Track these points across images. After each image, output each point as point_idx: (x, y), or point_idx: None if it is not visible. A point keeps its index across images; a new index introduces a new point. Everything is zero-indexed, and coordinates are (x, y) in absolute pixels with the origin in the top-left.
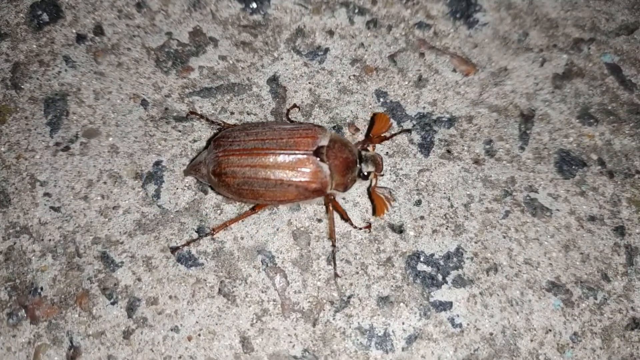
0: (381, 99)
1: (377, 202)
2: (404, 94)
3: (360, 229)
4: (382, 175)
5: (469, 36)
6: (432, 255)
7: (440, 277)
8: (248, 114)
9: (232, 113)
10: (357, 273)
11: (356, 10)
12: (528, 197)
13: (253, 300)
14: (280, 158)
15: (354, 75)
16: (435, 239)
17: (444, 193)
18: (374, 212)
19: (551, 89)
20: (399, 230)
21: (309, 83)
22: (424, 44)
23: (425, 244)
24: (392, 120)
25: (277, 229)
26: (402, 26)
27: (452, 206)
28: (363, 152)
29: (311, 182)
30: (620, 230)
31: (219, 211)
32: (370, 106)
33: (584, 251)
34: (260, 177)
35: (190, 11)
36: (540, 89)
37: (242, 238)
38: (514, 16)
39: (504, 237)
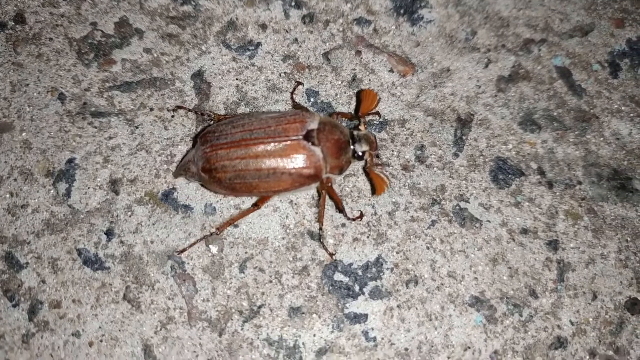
0: (312, 99)
1: (375, 181)
2: (336, 94)
3: (354, 219)
4: (378, 153)
5: (411, 34)
6: (351, 264)
7: (357, 287)
8: (168, 110)
9: (151, 109)
10: (271, 282)
11: (293, 3)
12: (457, 207)
13: (159, 307)
14: (271, 146)
15: (285, 73)
16: (355, 248)
17: (369, 200)
18: (373, 192)
19: (494, 92)
20: (319, 237)
21: (236, 79)
22: (362, 41)
23: (344, 252)
24: (379, 95)
25: (189, 234)
26: (341, 21)
27: (375, 214)
28: (355, 132)
29: (305, 168)
30: (553, 245)
31: (129, 213)
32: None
33: (512, 265)
34: (252, 168)
35: (117, 0)
36: (482, 92)
37: (152, 242)
38: (463, 13)
39: (428, 248)
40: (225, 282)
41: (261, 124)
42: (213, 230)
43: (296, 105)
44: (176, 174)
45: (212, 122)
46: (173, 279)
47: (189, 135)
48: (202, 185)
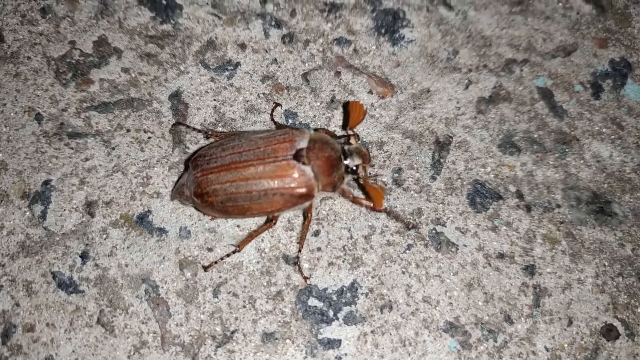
0: (290, 120)
1: (373, 194)
2: (315, 116)
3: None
4: (372, 165)
5: (392, 54)
6: (325, 289)
7: (331, 313)
8: (145, 131)
9: (128, 130)
10: (244, 307)
11: (273, 23)
12: (434, 231)
13: (132, 331)
14: (260, 168)
15: (263, 94)
16: (330, 272)
17: (345, 223)
18: (373, 206)
19: (474, 114)
20: (294, 261)
21: (214, 100)
22: (342, 61)
23: (319, 277)
24: (365, 106)
25: (164, 257)
26: (321, 41)
27: (351, 237)
28: (346, 147)
29: (296, 188)
30: (530, 269)
31: (104, 235)
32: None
33: (488, 290)
34: (243, 191)
35: (97, 18)
36: (461, 114)
37: (126, 265)
38: (445, 32)
39: (403, 273)
40: (199, 307)
41: (250, 145)
42: (234, 247)
43: (280, 126)
44: (172, 197)
45: (208, 138)
46: (147, 302)
47: (165, 157)
48: (196, 209)
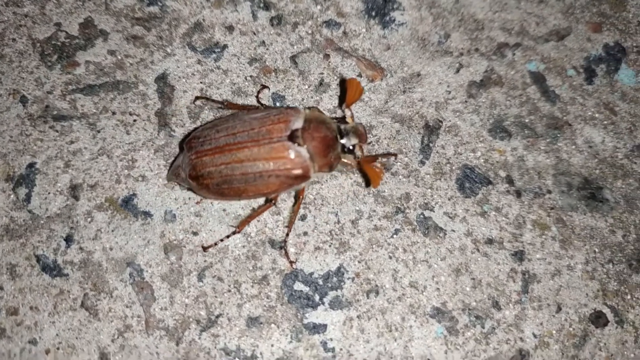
0: (277, 103)
1: (370, 174)
2: (303, 99)
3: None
4: (370, 143)
5: (382, 37)
6: (312, 274)
7: (317, 297)
8: (130, 114)
9: (113, 113)
10: (229, 291)
11: (261, 5)
12: (422, 216)
13: (116, 315)
14: (254, 150)
15: (250, 76)
16: (316, 257)
17: (332, 208)
18: (368, 184)
19: (464, 98)
20: (281, 245)
21: (201, 82)
22: (331, 44)
23: (306, 261)
24: (362, 84)
25: (149, 241)
26: (310, 24)
27: (338, 222)
28: (342, 126)
29: (291, 169)
30: (519, 255)
31: (89, 219)
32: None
33: (476, 276)
34: (238, 173)
35: (83, 0)
36: (452, 98)
37: (111, 249)
38: (437, 16)
39: (390, 258)
40: (184, 291)
41: (244, 126)
42: (234, 228)
43: (268, 107)
44: (168, 179)
45: (224, 109)
46: (131, 286)
47: (151, 140)
48: (192, 191)
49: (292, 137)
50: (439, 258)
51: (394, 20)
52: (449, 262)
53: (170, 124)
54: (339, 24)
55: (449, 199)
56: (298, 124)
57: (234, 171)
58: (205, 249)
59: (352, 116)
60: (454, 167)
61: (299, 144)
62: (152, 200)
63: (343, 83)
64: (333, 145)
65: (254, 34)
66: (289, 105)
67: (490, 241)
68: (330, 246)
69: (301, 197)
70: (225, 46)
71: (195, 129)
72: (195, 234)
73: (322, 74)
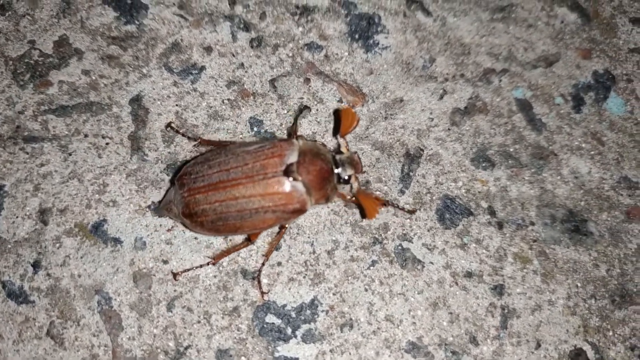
0: (255, 128)
1: (365, 204)
2: (281, 124)
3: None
4: (364, 172)
5: (365, 61)
6: (284, 306)
7: (289, 330)
8: (103, 137)
9: (85, 136)
10: (199, 322)
11: (241, 25)
12: (400, 247)
13: (83, 344)
14: (249, 186)
15: (228, 99)
16: (290, 288)
17: (308, 237)
18: (364, 216)
19: (447, 125)
20: (252, 277)
21: (176, 105)
22: (312, 68)
23: (279, 293)
24: (357, 114)
25: (118, 269)
26: (291, 46)
27: (314, 252)
28: (337, 156)
29: (288, 204)
30: (499, 289)
31: (58, 244)
32: (240, 135)
33: (453, 310)
34: (233, 210)
35: (58, 17)
36: (434, 126)
37: (79, 276)
38: (422, 39)
39: (366, 290)
40: (152, 321)
41: (238, 161)
42: (209, 260)
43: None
44: (159, 213)
45: (195, 145)
46: (99, 314)
47: (123, 164)
48: (185, 227)
49: (288, 172)
50: (416, 291)
51: (378, 43)
52: (426, 296)
53: (144, 147)
54: (320, 46)
55: (428, 230)
56: (293, 157)
57: (229, 208)
58: (175, 275)
59: (347, 146)
60: (434, 197)
61: (294, 179)
62: (122, 226)
63: (338, 112)
64: (329, 178)
65: (233, 55)
66: (265, 131)
67: (469, 274)
68: (304, 277)
69: (284, 228)
70: (203, 68)
71: (186, 162)
72: (165, 262)
73: (302, 98)
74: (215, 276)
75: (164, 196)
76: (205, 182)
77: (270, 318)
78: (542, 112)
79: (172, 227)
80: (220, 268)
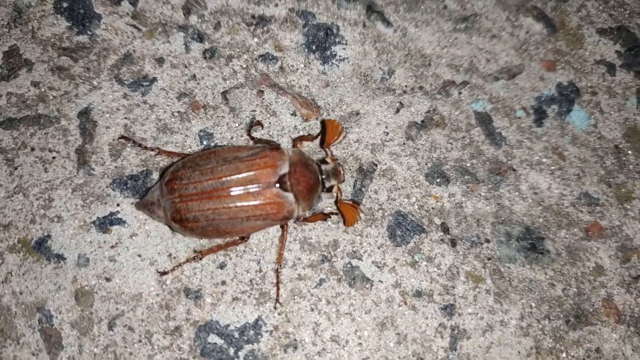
0: (204, 142)
1: (345, 212)
2: (232, 137)
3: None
4: (343, 181)
5: (322, 72)
6: (228, 326)
7: (232, 351)
8: (50, 151)
9: (32, 149)
10: (140, 341)
11: (195, 36)
12: (349, 265)
13: None
14: (243, 196)
15: (178, 112)
16: (234, 308)
17: (255, 255)
18: (345, 223)
19: (403, 140)
20: (195, 295)
21: (125, 118)
22: (267, 80)
23: (222, 313)
24: (342, 125)
25: (60, 286)
26: (245, 57)
27: (260, 270)
28: (323, 166)
29: (278, 213)
30: (449, 309)
31: (0, 261)
32: (189, 149)
33: (401, 331)
34: (225, 217)
35: (9, 27)
36: (389, 140)
37: (21, 293)
38: (382, 50)
39: (312, 310)
40: (93, 339)
41: (230, 169)
42: (196, 254)
43: (257, 140)
44: (138, 208)
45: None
46: (39, 333)
47: (70, 178)
48: (170, 228)
49: (280, 183)
50: (363, 311)
51: (335, 55)
52: (373, 316)
53: (90, 162)
54: (276, 58)
55: (378, 248)
56: (285, 168)
57: (221, 216)
58: (161, 274)
59: (332, 156)
60: (386, 214)
61: (285, 189)
62: (66, 242)
63: (323, 123)
64: (316, 188)
65: (185, 67)
66: (215, 145)
67: (419, 293)
68: (249, 296)
69: (286, 227)
70: (154, 79)
71: (172, 164)
72: (108, 279)
73: (255, 111)
74: (157, 294)
75: (144, 194)
76: (198, 189)
77: (213, 338)
78: (502, 126)
79: (117, 243)
80: (164, 286)
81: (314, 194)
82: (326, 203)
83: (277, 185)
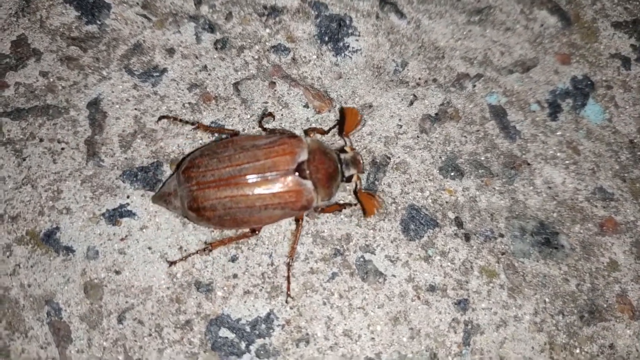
0: (215, 134)
1: (365, 202)
2: (244, 129)
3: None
4: (364, 172)
5: (334, 64)
6: (239, 320)
7: (243, 345)
8: (59, 142)
9: (41, 140)
10: (150, 335)
11: (206, 26)
12: (362, 259)
13: (30, 357)
14: (262, 183)
15: (189, 103)
16: (245, 302)
17: (267, 248)
18: (365, 214)
19: (416, 133)
20: (206, 289)
21: (135, 109)
22: (279, 71)
23: (233, 306)
24: (361, 113)
25: (69, 279)
26: (257, 48)
27: (272, 264)
28: (342, 155)
29: (297, 202)
30: (463, 304)
31: (8, 253)
32: (201, 141)
33: (414, 326)
34: (243, 206)
35: (17, 16)
36: (403, 133)
37: (29, 285)
38: (395, 42)
39: (325, 304)
40: (103, 333)
41: (248, 157)
42: (206, 246)
43: (271, 130)
44: (155, 201)
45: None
46: (48, 326)
47: (79, 170)
48: (186, 218)
49: (299, 171)
50: (376, 305)
51: (348, 46)
52: (386, 310)
53: (100, 153)
54: (288, 49)
55: (391, 242)
56: (303, 155)
57: (238, 204)
58: (170, 264)
59: (351, 145)
60: (399, 207)
61: (304, 177)
62: (75, 234)
63: (342, 111)
64: (335, 177)
65: (196, 57)
66: (226, 137)
67: (432, 288)
68: (261, 290)
69: (301, 220)
70: (164, 70)
71: (190, 154)
72: (117, 272)
73: (267, 102)
74: (168, 288)
75: (162, 186)
76: (216, 176)
77: (224, 332)
78: (516, 119)
79: (126, 236)
80: (174, 279)
81: (333, 182)
82: (339, 196)
83: (296, 172)
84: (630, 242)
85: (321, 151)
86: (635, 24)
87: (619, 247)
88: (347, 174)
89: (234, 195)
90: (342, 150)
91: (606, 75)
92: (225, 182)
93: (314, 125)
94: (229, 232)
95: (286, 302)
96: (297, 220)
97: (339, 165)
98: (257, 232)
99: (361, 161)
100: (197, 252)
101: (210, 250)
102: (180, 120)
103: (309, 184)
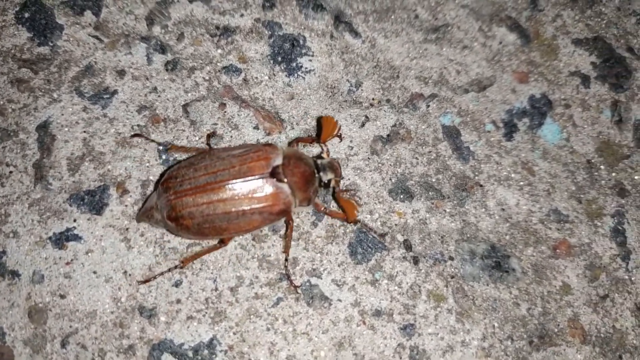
0: (163, 156)
1: (346, 207)
2: None
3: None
4: (342, 178)
5: (287, 85)
6: (182, 345)
7: None
8: (7, 165)
9: None
10: None
11: (158, 47)
12: (308, 283)
13: None
14: (237, 188)
15: (138, 125)
16: (188, 327)
17: (211, 273)
18: (347, 218)
19: (367, 154)
20: (150, 314)
21: (84, 132)
22: (230, 92)
23: (177, 331)
24: (339, 122)
25: (13, 303)
26: (208, 69)
27: (216, 289)
28: (319, 161)
29: (274, 206)
30: (409, 329)
31: None
32: (148, 164)
33: (359, 351)
34: (220, 212)
35: None
36: (354, 154)
37: None
38: (349, 62)
39: (269, 329)
40: (46, 357)
41: (224, 164)
42: (177, 263)
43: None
44: (139, 219)
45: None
46: None
47: (27, 193)
48: (169, 231)
49: (274, 174)
50: (321, 331)
51: (301, 66)
52: (331, 335)
53: (48, 176)
54: (239, 70)
55: (338, 265)
56: (278, 160)
57: (215, 210)
58: (140, 282)
59: (327, 152)
60: (347, 231)
61: (280, 180)
62: (21, 258)
63: (319, 120)
64: (312, 180)
65: (147, 79)
66: (174, 159)
67: (378, 313)
68: (204, 315)
69: (290, 222)
70: (115, 92)
71: (169, 168)
72: (62, 297)
73: (216, 124)
74: (112, 312)
75: (144, 203)
76: (192, 184)
77: (167, 357)
78: (470, 140)
79: (72, 260)
80: (119, 304)
81: (310, 186)
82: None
83: (272, 177)
84: (584, 265)
85: (297, 156)
86: (596, 41)
87: (572, 270)
88: (325, 178)
89: (211, 201)
90: (319, 156)
91: (565, 94)
92: (202, 189)
93: None
94: (197, 248)
95: (296, 292)
96: (287, 223)
97: (315, 170)
98: (225, 243)
99: (338, 166)
100: (168, 270)
101: (182, 267)
102: (152, 141)
103: (285, 187)
